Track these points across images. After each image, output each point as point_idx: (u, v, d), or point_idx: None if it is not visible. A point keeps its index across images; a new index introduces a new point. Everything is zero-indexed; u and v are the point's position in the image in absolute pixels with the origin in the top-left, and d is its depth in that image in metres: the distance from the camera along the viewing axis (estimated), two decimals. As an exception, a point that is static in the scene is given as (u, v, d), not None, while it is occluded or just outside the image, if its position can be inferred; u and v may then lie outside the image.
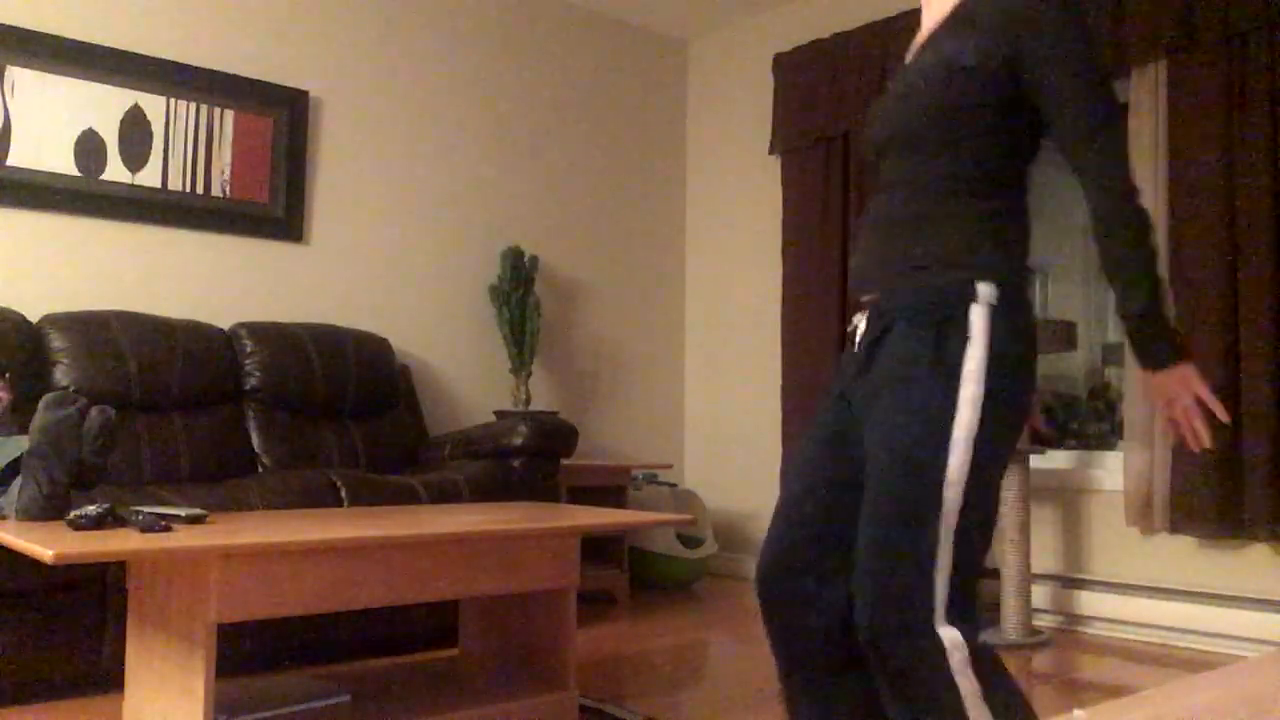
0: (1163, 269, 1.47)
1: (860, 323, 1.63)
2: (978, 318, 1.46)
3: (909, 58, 1.68)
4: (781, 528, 1.60)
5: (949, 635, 1.40)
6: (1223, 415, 1.46)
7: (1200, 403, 1.45)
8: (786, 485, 1.64)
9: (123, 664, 2.68)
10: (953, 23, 1.58)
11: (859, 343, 1.61)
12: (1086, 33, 1.48)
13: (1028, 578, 3.52)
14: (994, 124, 1.51)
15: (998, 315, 1.46)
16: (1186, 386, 1.45)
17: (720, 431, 5.15)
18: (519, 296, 4.37)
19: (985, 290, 1.47)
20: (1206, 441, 1.46)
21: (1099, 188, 1.46)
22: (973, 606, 1.45)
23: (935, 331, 1.47)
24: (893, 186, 1.59)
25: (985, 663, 1.41)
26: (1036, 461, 3.95)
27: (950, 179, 1.53)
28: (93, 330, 3.24)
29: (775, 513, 1.63)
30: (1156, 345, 1.46)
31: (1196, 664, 3.24)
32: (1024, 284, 1.52)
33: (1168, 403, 1.47)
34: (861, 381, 1.57)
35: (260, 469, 3.45)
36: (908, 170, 1.57)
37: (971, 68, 1.50)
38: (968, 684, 1.39)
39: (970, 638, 1.41)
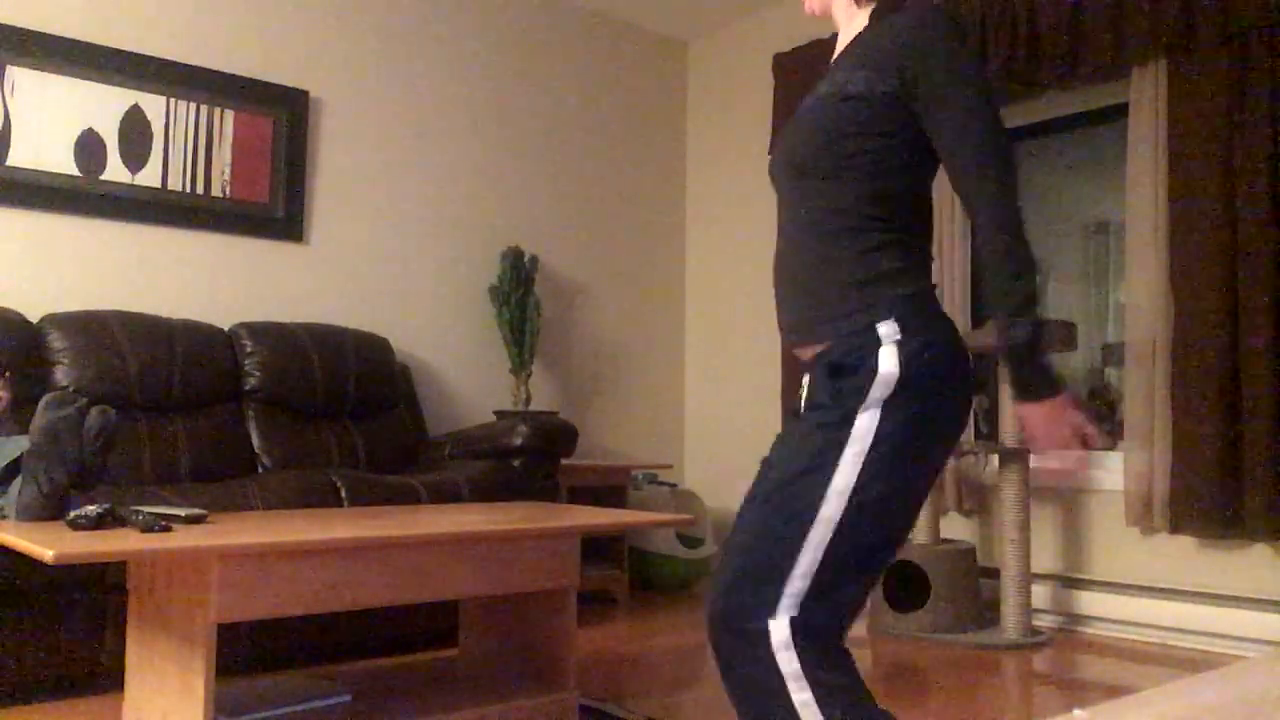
0: (1043, 307, 1.49)
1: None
2: (886, 358, 1.47)
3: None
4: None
5: (777, 627, 1.42)
6: (1094, 443, 1.48)
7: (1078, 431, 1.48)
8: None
9: (123, 664, 2.68)
10: (849, 53, 1.61)
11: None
12: (974, 65, 1.50)
13: (1028, 578, 3.52)
14: (878, 154, 1.53)
15: (904, 347, 1.48)
16: (1063, 418, 1.48)
17: (720, 431, 5.15)
18: (519, 296, 4.37)
19: (886, 329, 1.49)
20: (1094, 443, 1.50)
21: (986, 223, 1.48)
22: (829, 627, 1.44)
23: (841, 379, 1.49)
24: (787, 225, 1.62)
25: (815, 652, 1.42)
26: (1036, 461, 3.95)
27: (835, 214, 1.55)
28: (93, 330, 3.24)
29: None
30: (1034, 379, 1.48)
31: (1196, 664, 3.24)
32: (923, 307, 1.52)
33: (1039, 435, 1.50)
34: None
35: (260, 469, 3.45)
36: (798, 201, 1.59)
37: (857, 96, 1.53)
38: (789, 664, 1.41)
39: (804, 635, 1.42)
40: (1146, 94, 3.60)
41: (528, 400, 4.33)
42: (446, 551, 2.24)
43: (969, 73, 1.49)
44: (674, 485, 4.65)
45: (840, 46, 1.70)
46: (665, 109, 5.34)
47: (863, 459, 1.45)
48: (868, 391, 1.46)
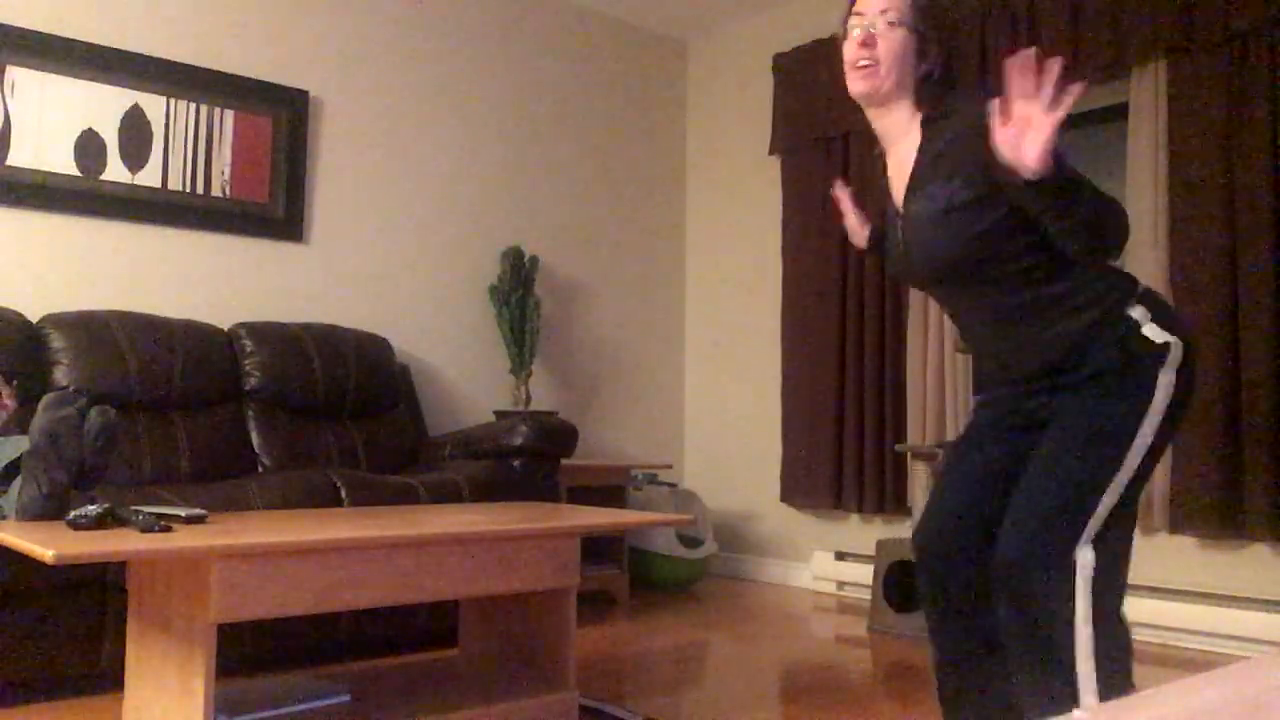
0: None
1: (1002, 395, 1.87)
2: (1153, 334, 1.69)
3: (894, 197, 1.87)
4: (938, 508, 1.88)
5: (1082, 557, 1.64)
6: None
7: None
8: (942, 488, 1.90)
9: (123, 664, 2.68)
10: (929, 168, 1.78)
11: (1020, 398, 1.84)
12: None
13: (1028, 578, 3.51)
14: (1014, 228, 1.70)
15: (1158, 321, 1.70)
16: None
17: (720, 431, 5.15)
18: (519, 296, 4.37)
19: (1138, 311, 1.70)
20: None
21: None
22: (1117, 550, 1.70)
23: (1129, 372, 1.70)
24: (973, 310, 1.82)
25: (1104, 596, 1.64)
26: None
27: (1031, 282, 1.73)
28: (93, 330, 3.24)
29: (933, 498, 1.91)
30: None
31: (1196, 664, 3.24)
32: (1154, 293, 1.75)
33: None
34: (1027, 412, 1.83)
35: (260, 469, 3.45)
36: (984, 294, 1.78)
37: (967, 203, 1.72)
38: (1083, 604, 1.62)
39: (1101, 561, 1.65)
40: (1146, 94, 3.60)
41: (528, 400, 4.33)
42: (446, 551, 2.24)
43: None
44: (674, 485, 4.65)
45: (895, 155, 1.85)
46: (665, 109, 5.34)
47: (1160, 418, 1.68)
48: (1160, 367, 1.68)
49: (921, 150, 1.81)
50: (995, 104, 1.52)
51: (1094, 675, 1.61)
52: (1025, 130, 1.48)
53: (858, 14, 1.82)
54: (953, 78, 1.85)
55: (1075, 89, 1.45)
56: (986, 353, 1.88)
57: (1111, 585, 1.67)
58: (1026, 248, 1.72)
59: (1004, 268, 1.74)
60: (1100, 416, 1.69)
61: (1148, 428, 1.68)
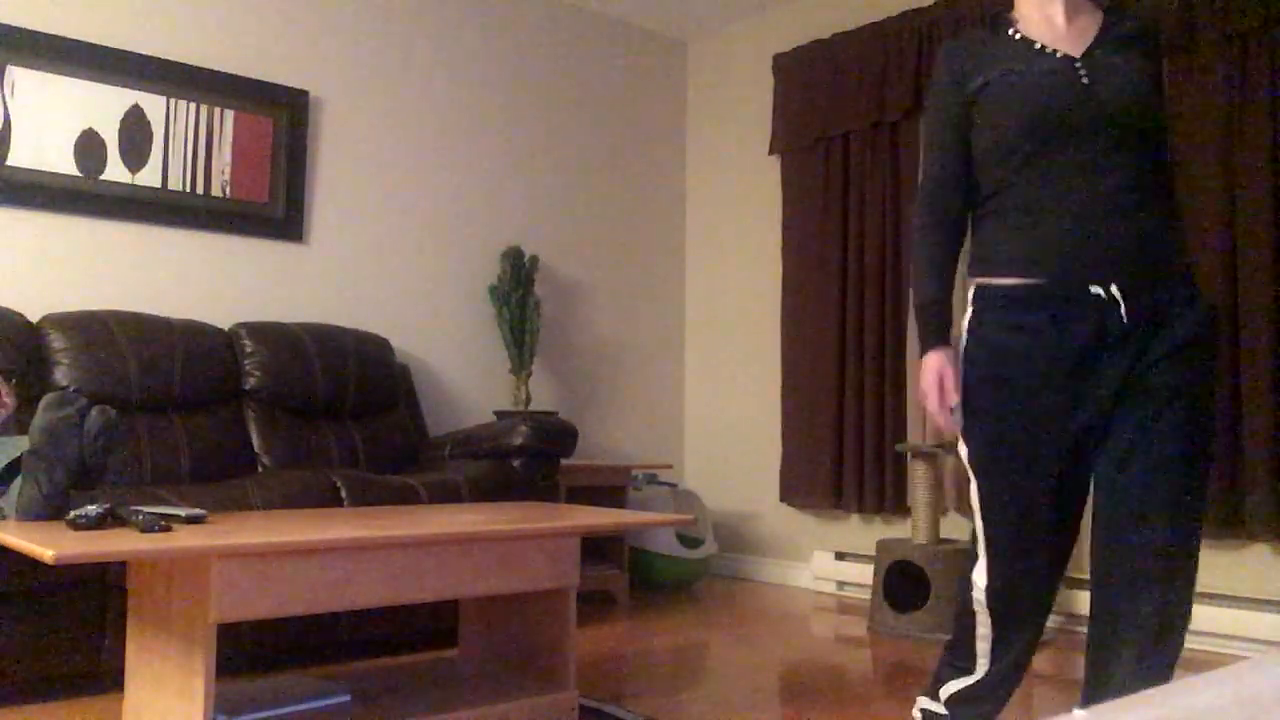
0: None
1: (1113, 295, 1.71)
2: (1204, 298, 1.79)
3: (1048, 49, 1.77)
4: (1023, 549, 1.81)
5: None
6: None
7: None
8: (1016, 514, 1.79)
9: (123, 664, 2.68)
10: (1115, 39, 1.78)
11: (1121, 323, 1.70)
12: None
13: (1028, 578, 3.51)
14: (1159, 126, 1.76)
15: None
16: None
17: (720, 431, 5.15)
18: (519, 296, 4.37)
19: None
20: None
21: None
22: None
23: (1211, 325, 1.76)
24: (1104, 172, 1.71)
25: None
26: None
27: (1156, 174, 1.74)
28: (93, 330, 3.24)
29: (1010, 536, 1.80)
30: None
31: (1196, 664, 3.24)
32: None
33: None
34: (1126, 353, 1.72)
35: (260, 469, 3.45)
36: (1121, 160, 1.71)
37: (1151, 81, 1.75)
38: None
39: None
40: (1146, 94, 3.60)
41: (528, 400, 4.33)
42: (446, 551, 2.24)
43: None
44: (674, 485, 4.65)
45: (1055, 22, 1.81)
46: (665, 109, 5.34)
47: None
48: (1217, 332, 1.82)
49: (1106, 28, 1.80)
50: None
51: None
52: None
53: None
54: None
55: None
56: (1097, 232, 1.70)
57: None
58: (1162, 155, 1.79)
59: (1159, 137, 1.76)
60: (1207, 394, 1.73)
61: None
